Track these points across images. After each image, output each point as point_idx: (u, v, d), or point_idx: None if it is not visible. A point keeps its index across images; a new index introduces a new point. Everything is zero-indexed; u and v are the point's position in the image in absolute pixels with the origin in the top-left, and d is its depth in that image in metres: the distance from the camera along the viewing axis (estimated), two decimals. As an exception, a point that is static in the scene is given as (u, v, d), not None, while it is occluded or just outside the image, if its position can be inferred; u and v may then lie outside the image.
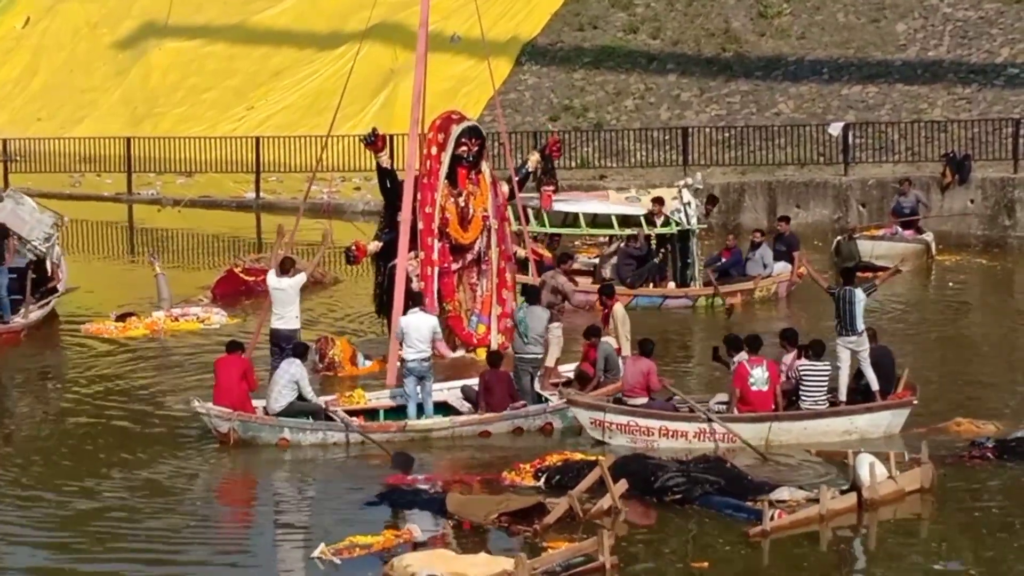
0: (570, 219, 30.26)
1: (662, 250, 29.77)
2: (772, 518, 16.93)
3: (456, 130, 24.79)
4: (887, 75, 42.37)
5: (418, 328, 21.58)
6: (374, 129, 25.97)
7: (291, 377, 20.85)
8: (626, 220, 29.73)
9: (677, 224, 29.52)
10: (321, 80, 50.32)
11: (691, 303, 29.52)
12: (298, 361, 21.07)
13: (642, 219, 29.65)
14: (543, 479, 18.75)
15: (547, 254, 29.31)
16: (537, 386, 21.94)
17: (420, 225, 24.45)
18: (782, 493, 17.73)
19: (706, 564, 16.16)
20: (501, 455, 20.10)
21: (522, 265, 26.16)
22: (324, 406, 21.13)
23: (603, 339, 22.37)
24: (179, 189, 46.54)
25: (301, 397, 20.88)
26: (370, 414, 21.71)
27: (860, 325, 21.05)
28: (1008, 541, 16.91)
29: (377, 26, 45.67)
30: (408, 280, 23.90)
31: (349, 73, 31.55)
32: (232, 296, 31.49)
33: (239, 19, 54.87)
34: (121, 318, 28.92)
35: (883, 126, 40.27)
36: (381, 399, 22.09)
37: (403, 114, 43.11)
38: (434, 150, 24.75)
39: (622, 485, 17.73)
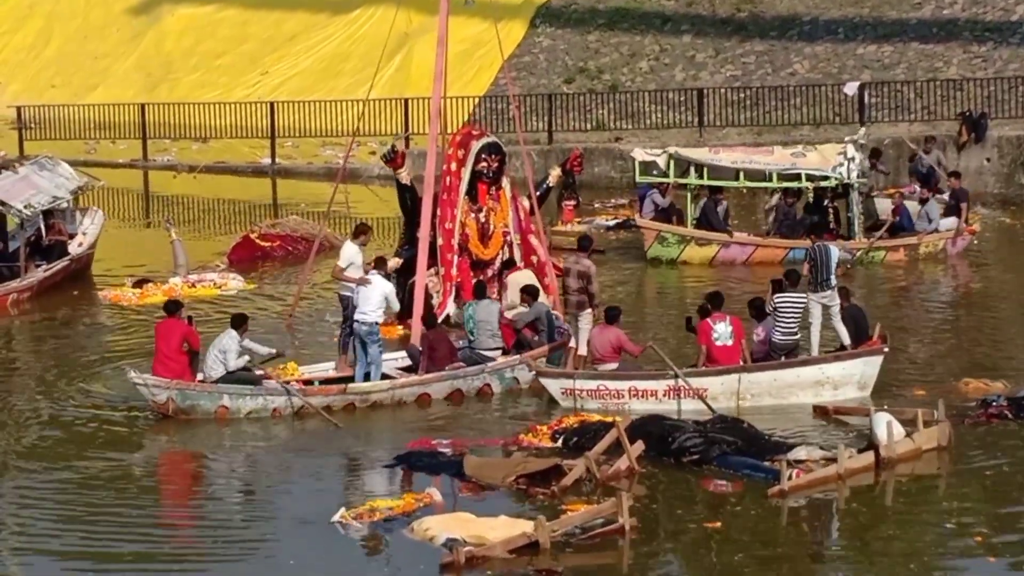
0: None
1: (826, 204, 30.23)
2: (790, 477, 16.97)
3: (476, 146, 24.60)
4: (902, 34, 42.18)
5: (374, 289, 21.29)
6: (393, 146, 25.84)
7: (221, 348, 20.52)
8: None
9: (838, 180, 29.79)
10: (335, 44, 50.21)
11: (851, 257, 29.27)
12: (233, 332, 20.64)
13: (803, 175, 30.01)
14: (560, 441, 18.81)
15: None
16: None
17: (440, 241, 24.30)
18: (799, 453, 17.76)
19: (718, 524, 16.20)
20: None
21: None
22: (260, 374, 20.73)
23: (540, 299, 22.47)
24: (194, 155, 46.55)
25: (248, 367, 20.57)
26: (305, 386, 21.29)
27: (833, 280, 21.24)
28: (1021, 500, 16.91)
29: (392, -12, 45.54)
30: (428, 296, 23.69)
31: (388, 34, 31.36)
32: (248, 262, 31.56)
33: (252, -16, 54.78)
34: (138, 284, 29.03)
35: (899, 85, 40.12)
36: (315, 372, 21.79)
37: (418, 77, 43.11)
38: (454, 166, 24.63)
39: (639, 446, 17.78)
